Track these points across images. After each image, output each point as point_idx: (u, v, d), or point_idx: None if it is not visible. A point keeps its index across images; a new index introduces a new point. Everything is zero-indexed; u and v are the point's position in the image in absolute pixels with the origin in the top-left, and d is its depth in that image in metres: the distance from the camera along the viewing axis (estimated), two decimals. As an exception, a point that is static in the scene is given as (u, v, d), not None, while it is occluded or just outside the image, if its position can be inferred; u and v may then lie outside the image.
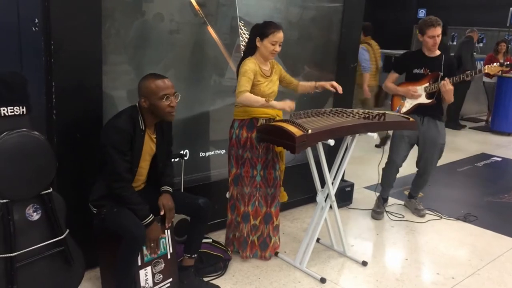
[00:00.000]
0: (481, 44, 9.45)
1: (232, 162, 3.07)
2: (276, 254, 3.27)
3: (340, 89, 3.09)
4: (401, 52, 9.28)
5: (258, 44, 2.90)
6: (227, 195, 3.51)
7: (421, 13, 11.63)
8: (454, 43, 10.08)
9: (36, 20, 2.48)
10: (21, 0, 2.60)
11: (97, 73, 2.68)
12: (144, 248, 2.55)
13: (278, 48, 2.91)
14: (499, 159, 6.36)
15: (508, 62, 3.81)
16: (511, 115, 7.82)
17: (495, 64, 3.79)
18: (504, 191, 4.97)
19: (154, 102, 2.42)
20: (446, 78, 3.66)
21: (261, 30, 2.89)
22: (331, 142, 2.82)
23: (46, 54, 2.49)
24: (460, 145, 6.99)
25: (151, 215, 2.48)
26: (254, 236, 3.14)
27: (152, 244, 2.53)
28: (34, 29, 2.51)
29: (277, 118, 3.01)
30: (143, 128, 2.49)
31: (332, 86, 3.11)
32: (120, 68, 2.91)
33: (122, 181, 2.42)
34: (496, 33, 10.40)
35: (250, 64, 2.88)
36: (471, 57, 7.70)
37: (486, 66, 3.77)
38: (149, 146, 2.56)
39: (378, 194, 4.19)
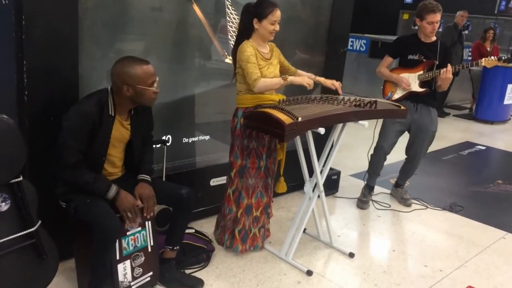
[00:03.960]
0: (466, 32, 9.40)
1: (237, 153, 2.91)
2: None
3: (340, 90, 2.97)
4: (388, 37, 9.25)
5: (256, 25, 2.73)
6: (211, 183, 3.41)
7: (407, -2, 11.54)
8: (440, 29, 10.00)
9: (6, -7, 2.27)
10: (-12, -30, 2.38)
11: (73, 51, 2.48)
12: (125, 242, 2.40)
13: (277, 27, 2.75)
14: (483, 148, 6.36)
15: (505, 57, 3.73)
16: (496, 103, 7.83)
17: (492, 57, 3.70)
18: (489, 181, 4.95)
19: (141, 90, 2.25)
20: (449, 65, 3.55)
21: (257, 11, 2.71)
22: (322, 130, 2.70)
23: (17, 30, 2.29)
24: (444, 133, 6.95)
25: (114, 185, 2.29)
26: (255, 228, 3.03)
27: (130, 214, 2.31)
28: (3, 2, 2.30)
29: (281, 104, 2.80)
30: (113, 114, 2.30)
31: (333, 85, 2.97)
32: (98, 46, 2.70)
33: (69, 169, 2.22)
34: (482, 20, 10.37)
35: (249, 49, 2.71)
36: (454, 46, 7.51)
37: (483, 59, 3.67)
38: (120, 133, 2.37)
39: (365, 182, 4.11)
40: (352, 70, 8.97)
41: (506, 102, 7.85)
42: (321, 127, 2.72)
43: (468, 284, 2.88)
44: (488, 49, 7.88)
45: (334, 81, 3.00)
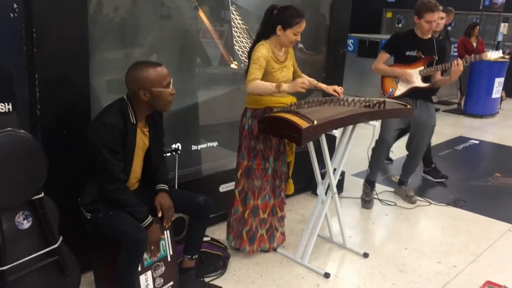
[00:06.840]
0: (449, 28, 9.53)
1: (243, 154, 2.90)
2: (274, 249, 3.16)
3: (341, 95, 2.98)
4: (374, 36, 9.32)
5: (278, 32, 2.70)
6: (220, 189, 3.39)
7: (390, -3, 11.64)
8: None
9: (15, 5, 2.22)
10: (-5, -17, 2.33)
11: (83, 62, 2.45)
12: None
13: (299, 38, 2.73)
14: (477, 142, 6.45)
15: (507, 50, 3.83)
16: (484, 97, 7.95)
17: (495, 51, 3.78)
18: (487, 175, 5.02)
19: (158, 92, 2.22)
20: (458, 58, 3.63)
21: (284, 18, 2.67)
22: (336, 132, 2.72)
23: (28, 43, 2.24)
24: (437, 128, 6.87)
25: (150, 216, 2.31)
26: (263, 230, 3.02)
27: (153, 247, 2.35)
28: (12, 15, 2.25)
29: (293, 107, 2.77)
30: (135, 122, 2.29)
31: (335, 91, 2.97)
32: (108, 56, 2.67)
33: (116, 183, 2.22)
34: (464, 16, 10.54)
35: (263, 50, 2.69)
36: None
37: (488, 53, 3.73)
38: (142, 140, 2.36)
39: (364, 180, 4.10)
40: (341, 70, 8.99)
41: (494, 96, 7.98)
42: (335, 129, 2.73)
43: (483, 279, 2.90)
44: (474, 44, 7.99)
45: (335, 87, 2.99)
